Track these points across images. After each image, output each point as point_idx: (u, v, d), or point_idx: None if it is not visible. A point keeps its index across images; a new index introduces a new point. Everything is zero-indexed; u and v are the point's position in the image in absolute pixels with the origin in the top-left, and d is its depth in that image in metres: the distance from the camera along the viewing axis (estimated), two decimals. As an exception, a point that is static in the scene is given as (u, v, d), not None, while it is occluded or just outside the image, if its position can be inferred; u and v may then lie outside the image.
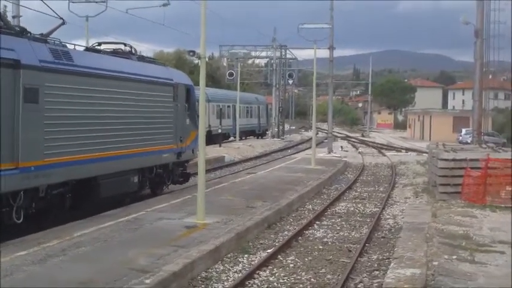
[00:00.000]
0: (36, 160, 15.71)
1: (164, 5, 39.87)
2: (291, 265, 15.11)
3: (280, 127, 78.41)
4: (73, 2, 38.67)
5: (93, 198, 19.11)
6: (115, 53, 21.97)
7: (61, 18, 19.24)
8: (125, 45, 23.13)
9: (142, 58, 23.78)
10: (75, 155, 17.41)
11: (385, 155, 53.68)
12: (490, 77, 41.14)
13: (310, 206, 24.48)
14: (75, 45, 19.72)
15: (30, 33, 16.81)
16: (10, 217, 15.21)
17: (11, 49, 14.94)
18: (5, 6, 54.54)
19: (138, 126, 21.17)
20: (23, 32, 16.55)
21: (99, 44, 22.61)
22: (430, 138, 78.55)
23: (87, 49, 21.06)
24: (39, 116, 15.80)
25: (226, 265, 14.64)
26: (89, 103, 18.16)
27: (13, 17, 31.01)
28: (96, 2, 35.70)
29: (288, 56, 76.01)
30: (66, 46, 18.27)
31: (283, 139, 75.36)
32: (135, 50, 23.45)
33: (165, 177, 24.52)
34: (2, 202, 14.90)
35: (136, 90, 21.08)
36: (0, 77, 14.38)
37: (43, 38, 17.32)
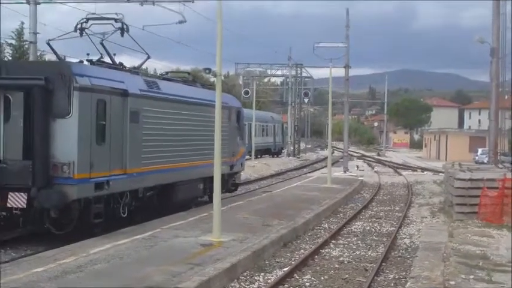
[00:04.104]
0: (137, 168, 19.92)
1: (180, 22, 39.85)
2: (307, 284, 15.04)
3: (296, 146, 78.36)
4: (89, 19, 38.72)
5: (171, 201, 23.19)
6: (184, 81, 26.21)
7: (146, 53, 23.36)
8: (188, 74, 27.74)
9: (203, 85, 28.24)
10: (161, 164, 21.58)
11: (401, 175, 53.54)
12: (506, 97, 40.90)
13: (326, 224, 24.40)
14: (157, 76, 24.41)
15: (125, 67, 21.32)
16: (119, 212, 19.49)
17: (121, 81, 19.36)
18: (22, 23, 54.72)
19: (203, 142, 24.72)
20: (120, 66, 20.90)
21: (167, 73, 26.44)
22: (446, 158, 78.28)
23: (163, 78, 24.75)
24: (139, 133, 20.08)
25: (242, 283, 14.59)
26: (170, 123, 22.32)
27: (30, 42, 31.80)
28: (115, 20, 35.70)
29: (304, 74, 76.00)
30: (151, 76, 22.82)
31: (298, 158, 75.35)
32: (195, 78, 27.55)
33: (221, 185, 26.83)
34: (115, 200, 19.25)
35: (202, 112, 24.91)
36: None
37: (136, 71, 22.00)
